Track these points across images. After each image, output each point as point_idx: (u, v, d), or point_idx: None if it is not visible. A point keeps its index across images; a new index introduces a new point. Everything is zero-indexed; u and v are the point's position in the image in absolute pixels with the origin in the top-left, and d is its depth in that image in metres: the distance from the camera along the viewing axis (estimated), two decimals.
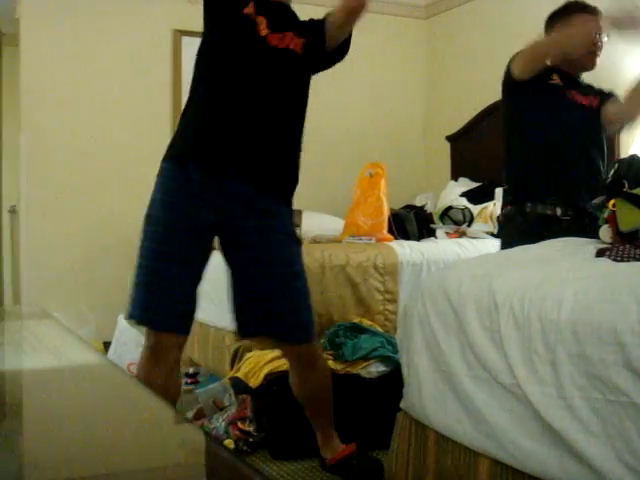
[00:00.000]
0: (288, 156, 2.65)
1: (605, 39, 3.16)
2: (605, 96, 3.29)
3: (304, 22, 2.73)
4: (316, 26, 2.71)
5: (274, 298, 2.60)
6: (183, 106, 2.66)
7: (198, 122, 2.56)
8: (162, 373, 2.51)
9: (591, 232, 2.69)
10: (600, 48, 3.17)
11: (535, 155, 3.19)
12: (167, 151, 2.59)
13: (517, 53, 3.18)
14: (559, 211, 3.06)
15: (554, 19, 3.26)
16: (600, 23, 3.13)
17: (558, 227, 3.00)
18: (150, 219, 2.53)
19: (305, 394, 2.82)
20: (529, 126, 3.22)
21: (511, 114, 3.33)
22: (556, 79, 3.19)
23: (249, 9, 2.55)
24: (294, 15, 2.73)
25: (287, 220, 2.69)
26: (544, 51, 3.15)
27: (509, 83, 3.21)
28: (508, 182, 3.35)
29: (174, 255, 2.48)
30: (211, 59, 2.61)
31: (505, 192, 3.37)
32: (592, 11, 3.15)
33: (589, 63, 3.21)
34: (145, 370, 2.55)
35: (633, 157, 2.52)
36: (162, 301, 2.49)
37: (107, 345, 4.62)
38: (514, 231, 3.15)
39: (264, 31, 2.55)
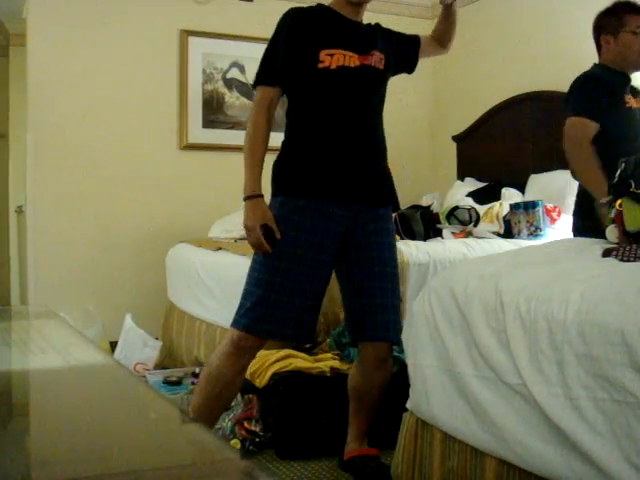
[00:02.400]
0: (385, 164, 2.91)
1: None
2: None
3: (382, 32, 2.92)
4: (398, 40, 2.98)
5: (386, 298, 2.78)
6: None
7: (323, 161, 2.73)
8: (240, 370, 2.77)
9: None
10: None
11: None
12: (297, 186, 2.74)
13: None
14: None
15: (604, 19, 3.32)
16: None
17: None
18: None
19: (364, 392, 2.89)
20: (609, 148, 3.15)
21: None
22: (630, 101, 3.27)
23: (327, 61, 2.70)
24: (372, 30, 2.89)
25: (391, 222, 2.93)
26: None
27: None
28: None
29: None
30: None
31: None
32: None
33: None
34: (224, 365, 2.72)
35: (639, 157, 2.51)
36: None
37: (114, 345, 4.63)
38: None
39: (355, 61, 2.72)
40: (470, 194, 5.23)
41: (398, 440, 2.40)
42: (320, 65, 2.66)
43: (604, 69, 3.32)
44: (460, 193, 5.35)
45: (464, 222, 4.71)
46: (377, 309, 2.73)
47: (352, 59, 2.69)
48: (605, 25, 3.31)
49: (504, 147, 5.52)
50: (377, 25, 2.92)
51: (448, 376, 2.16)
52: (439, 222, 4.77)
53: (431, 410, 2.22)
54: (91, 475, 0.91)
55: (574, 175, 3.26)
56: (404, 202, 5.25)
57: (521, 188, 5.00)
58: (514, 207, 4.47)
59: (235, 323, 2.68)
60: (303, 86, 2.73)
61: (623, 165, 2.43)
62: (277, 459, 3.17)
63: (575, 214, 3.42)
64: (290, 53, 2.68)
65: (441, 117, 6.29)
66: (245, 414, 3.28)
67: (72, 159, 5.13)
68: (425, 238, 4.51)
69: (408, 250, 4.06)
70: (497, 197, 4.96)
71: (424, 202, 5.51)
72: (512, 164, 5.39)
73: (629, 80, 3.34)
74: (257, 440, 3.22)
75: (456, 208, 4.82)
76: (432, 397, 2.21)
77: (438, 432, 2.22)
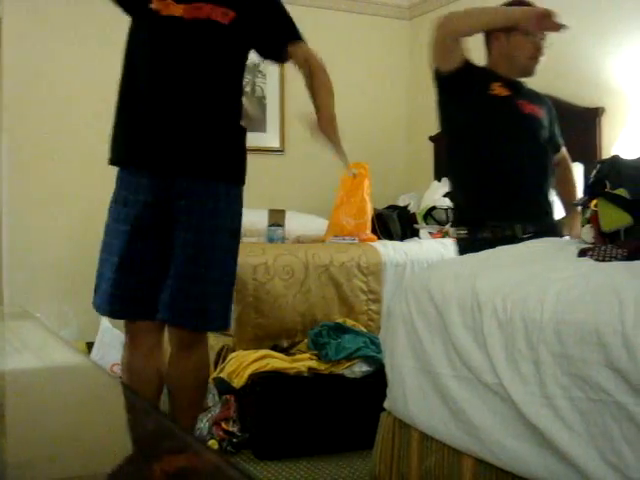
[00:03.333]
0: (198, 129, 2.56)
1: (548, 44, 3.03)
2: (546, 108, 3.17)
3: None
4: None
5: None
6: None
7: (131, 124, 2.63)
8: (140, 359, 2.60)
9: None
10: (542, 53, 3.03)
11: (487, 172, 3.05)
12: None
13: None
14: (519, 230, 2.93)
15: None
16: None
17: None
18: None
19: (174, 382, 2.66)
20: (478, 142, 3.08)
21: (454, 126, 3.17)
22: (497, 89, 3.05)
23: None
24: None
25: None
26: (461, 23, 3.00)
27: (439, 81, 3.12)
28: (455, 199, 3.26)
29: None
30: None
31: (455, 210, 3.26)
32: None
33: (530, 69, 3.06)
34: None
35: (614, 158, 2.53)
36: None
37: (90, 346, 4.60)
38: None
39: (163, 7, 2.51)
40: (447, 194, 5.24)
41: (376, 440, 2.41)
42: (151, 5, 2.50)
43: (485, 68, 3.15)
44: (437, 193, 5.36)
45: (441, 222, 4.73)
46: (176, 293, 2.49)
47: (174, 8, 2.49)
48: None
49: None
50: None
51: (425, 376, 2.17)
52: (416, 222, 4.79)
53: (409, 410, 2.22)
54: (67, 477, 0.90)
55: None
56: (381, 202, 5.28)
57: None
58: None
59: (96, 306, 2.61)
60: (131, 26, 2.62)
61: (598, 166, 2.45)
62: (255, 459, 3.17)
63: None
64: None
65: (418, 117, 6.31)
66: (222, 414, 3.27)
67: (47, 159, 5.09)
68: (402, 238, 4.53)
69: (385, 250, 4.08)
70: None
71: (401, 202, 5.52)
72: None
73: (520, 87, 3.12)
74: (234, 440, 3.21)
75: (433, 208, 4.84)
76: (410, 397, 2.21)
77: (416, 432, 2.23)
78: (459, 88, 3.03)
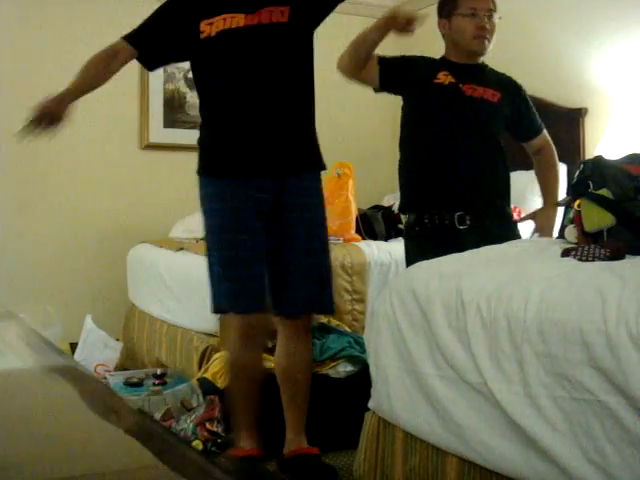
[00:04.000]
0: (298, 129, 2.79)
1: (497, 20, 3.05)
2: (507, 92, 3.15)
3: None
4: None
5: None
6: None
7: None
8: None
9: (499, 237, 2.70)
10: (489, 30, 3.03)
11: (421, 160, 3.18)
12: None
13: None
14: (450, 218, 2.99)
15: (441, 2, 3.19)
16: (490, 4, 3.04)
17: (455, 237, 2.97)
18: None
19: (293, 371, 2.88)
20: (411, 127, 3.23)
21: (402, 120, 3.35)
22: (442, 78, 3.11)
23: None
24: None
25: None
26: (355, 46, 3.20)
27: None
28: (400, 186, 3.35)
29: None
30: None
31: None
32: None
33: (477, 48, 3.06)
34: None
35: (598, 158, 2.55)
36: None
37: (74, 346, 4.59)
38: (414, 242, 3.15)
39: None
40: None
41: (360, 440, 2.41)
42: (202, 35, 2.61)
43: (438, 60, 3.23)
44: None
45: None
46: (295, 284, 2.73)
47: (235, 20, 2.59)
48: (441, 9, 3.16)
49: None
50: None
51: (410, 376, 2.17)
52: (400, 222, 4.79)
53: (393, 410, 2.23)
54: (52, 478, 0.90)
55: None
56: (366, 202, 5.29)
57: None
58: None
59: (211, 308, 2.74)
60: (194, 61, 2.70)
61: (582, 166, 2.46)
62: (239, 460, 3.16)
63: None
64: (163, 23, 2.67)
65: None
66: (207, 415, 3.26)
67: (31, 159, 5.06)
68: (386, 238, 4.54)
69: (369, 250, 4.08)
70: None
71: (385, 202, 5.52)
72: None
73: (467, 67, 3.13)
74: (219, 441, 3.20)
75: None
76: (394, 397, 2.22)
77: (400, 432, 2.23)
78: (398, 88, 3.24)
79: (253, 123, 2.65)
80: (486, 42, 3.05)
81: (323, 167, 2.85)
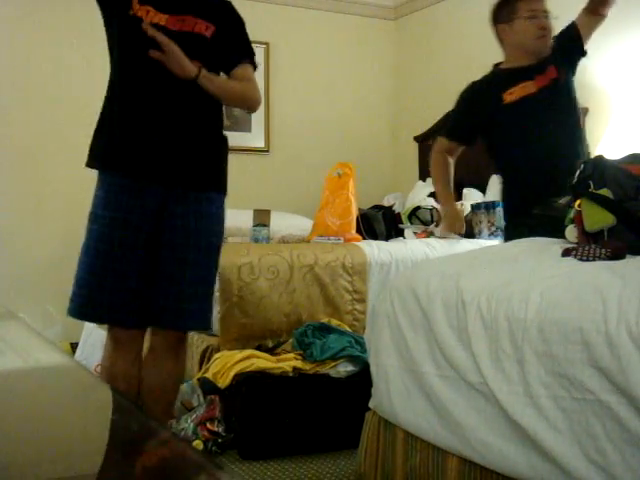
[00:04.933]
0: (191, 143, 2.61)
1: (554, 19, 3.19)
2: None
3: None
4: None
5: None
6: None
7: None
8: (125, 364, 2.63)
9: None
10: (549, 29, 3.19)
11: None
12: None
13: None
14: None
15: (498, 9, 3.29)
16: (545, 5, 3.18)
17: None
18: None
19: (156, 385, 2.69)
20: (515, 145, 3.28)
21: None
22: (509, 97, 3.21)
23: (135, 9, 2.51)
24: None
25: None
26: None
27: None
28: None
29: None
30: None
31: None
32: None
33: (542, 47, 3.21)
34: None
35: (598, 158, 2.55)
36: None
37: (74, 346, 4.58)
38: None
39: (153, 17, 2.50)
40: (432, 194, 5.25)
41: (361, 439, 2.41)
42: (131, 12, 2.49)
43: (492, 73, 3.34)
44: (422, 193, 5.37)
45: (426, 222, 4.74)
46: (173, 296, 2.57)
47: (157, 16, 2.49)
48: (499, 15, 3.28)
49: (465, 148, 5.55)
50: (227, 2, 2.68)
51: (410, 375, 2.17)
52: (401, 222, 4.80)
53: (393, 409, 2.23)
54: (51, 478, 0.90)
55: None
56: (366, 202, 5.29)
57: (482, 189, 5.04)
58: (475, 207, 4.51)
59: (68, 310, 2.59)
60: (112, 32, 2.58)
61: (582, 166, 2.46)
62: (240, 460, 3.16)
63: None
64: None
65: (403, 117, 6.32)
66: (208, 415, 3.26)
67: (31, 159, 5.07)
68: (387, 238, 4.54)
69: (370, 250, 4.08)
70: (458, 197, 4.99)
71: (386, 202, 5.53)
72: (473, 165, 5.41)
73: (525, 68, 3.25)
74: (220, 441, 3.21)
75: (418, 208, 4.85)
76: (394, 396, 2.22)
77: (400, 431, 2.23)
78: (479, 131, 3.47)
79: (151, 122, 2.55)
80: (548, 40, 3.21)
81: (216, 188, 2.66)
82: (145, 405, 2.67)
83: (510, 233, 3.19)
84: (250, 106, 2.74)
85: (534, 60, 3.22)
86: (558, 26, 3.22)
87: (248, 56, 2.67)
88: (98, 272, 2.52)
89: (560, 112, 3.22)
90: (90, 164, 2.65)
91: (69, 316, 2.59)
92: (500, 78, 3.29)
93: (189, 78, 2.45)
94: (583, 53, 3.23)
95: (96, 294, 2.53)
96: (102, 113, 2.64)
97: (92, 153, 2.65)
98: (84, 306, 2.56)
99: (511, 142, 3.26)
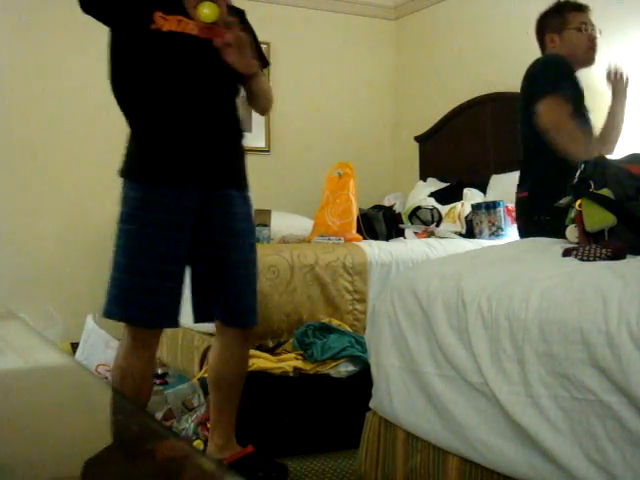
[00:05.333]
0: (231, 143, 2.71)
1: (599, 34, 3.32)
2: None
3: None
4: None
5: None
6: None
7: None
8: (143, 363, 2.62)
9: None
10: (597, 44, 3.33)
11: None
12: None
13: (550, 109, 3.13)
14: None
15: (548, 18, 3.39)
16: (590, 18, 3.32)
17: None
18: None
19: (229, 379, 2.81)
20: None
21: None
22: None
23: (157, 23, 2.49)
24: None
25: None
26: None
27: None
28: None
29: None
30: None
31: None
32: (585, 9, 3.34)
33: (591, 60, 3.37)
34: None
35: (599, 158, 2.55)
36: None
37: (75, 346, 4.59)
38: None
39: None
40: (432, 194, 5.26)
41: (361, 439, 2.41)
42: (153, 26, 2.45)
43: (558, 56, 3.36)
44: (422, 193, 5.38)
45: (426, 222, 4.74)
46: (239, 295, 2.67)
47: (189, 27, 2.47)
48: (549, 24, 3.39)
49: (466, 148, 5.56)
50: (241, 11, 2.69)
51: (411, 375, 2.17)
52: (401, 222, 4.80)
53: (394, 409, 2.23)
54: (52, 478, 0.90)
55: (569, 155, 3.08)
56: (367, 202, 5.29)
57: (483, 188, 5.05)
58: (476, 207, 4.51)
59: (105, 312, 2.54)
60: (134, 48, 2.53)
61: (583, 166, 2.46)
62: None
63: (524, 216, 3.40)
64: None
65: (403, 118, 6.32)
66: (208, 415, 3.26)
67: (31, 159, 5.07)
68: (387, 238, 4.54)
69: (370, 250, 4.08)
70: (459, 197, 5.00)
71: (386, 202, 5.53)
72: (474, 165, 5.44)
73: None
74: None
75: (418, 208, 4.85)
76: (395, 396, 2.22)
77: (401, 431, 2.23)
78: None
79: (204, 132, 2.57)
80: (595, 53, 3.36)
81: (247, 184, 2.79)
82: (220, 391, 2.80)
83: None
84: (270, 107, 2.84)
85: (577, 69, 3.32)
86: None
87: (264, 63, 2.76)
88: (153, 274, 2.49)
89: None
90: (147, 180, 2.54)
91: (137, 325, 2.55)
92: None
93: (250, 72, 2.54)
94: None
95: (154, 297, 2.50)
96: (143, 126, 2.57)
97: (148, 168, 2.55)
98: (152, 312, 2.52)
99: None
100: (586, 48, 3.32)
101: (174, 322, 2.58)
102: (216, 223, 2.61)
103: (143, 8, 2.46)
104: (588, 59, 3.36)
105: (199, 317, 2.71)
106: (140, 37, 2.50)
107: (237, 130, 2.70)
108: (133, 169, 2.57)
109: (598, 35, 3.34)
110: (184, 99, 2.54)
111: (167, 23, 2.46)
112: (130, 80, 2.57)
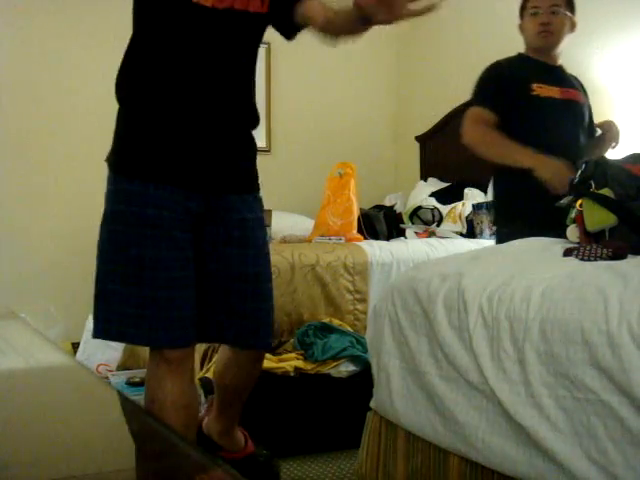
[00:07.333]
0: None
1: (562, 13, 3.14)
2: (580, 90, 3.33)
3: None
4: None
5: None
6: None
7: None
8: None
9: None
10: (553, 26, 3.15)
11: None
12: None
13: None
14: None
15: (521, 6, 3.30)
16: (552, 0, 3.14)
17: None
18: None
19: (242, 386, 2.57)
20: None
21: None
22: (538, 89, 3.14)
23: None
24: None
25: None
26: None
27: None
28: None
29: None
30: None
31: None
32: None
33: (541, 43, 3.19)
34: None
35: (600, 158, 2.55)
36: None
37: (76, 346, 4.59)
38: None
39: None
40: (433, 194, 5.26)
41: (362, 439, 2.41)
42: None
43: (518, 58, 3.28)
44: (423, 193, 5.38)
45: (427, 222, 4.75)
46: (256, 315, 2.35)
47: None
48: (520, 10, 3.30)
49: (466, 148, 5.55)
50: None
51: (411, 375, 2.17)
52: (402, 222, 4.81)
53: (395, 409, 2.22)
54: (54, 478, 0.90)
55: (493, 162, 3.19)
56: (368, 202, 5.29)
57: (483, 188, 5.04)
58: (476, 207, 4.51)
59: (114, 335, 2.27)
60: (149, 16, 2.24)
61: (584, 166, 2.46)
62: None
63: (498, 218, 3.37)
64: None
65: (404, 117, 6.32)
66: (208, 414, 3.26)
67: (33, 155, 5.06)
68: (388, 238, 4.54)
69: (371, 250, 4.08)
70: (460, 197, 4.99)
71: (387, 202, 5.53)
72: (474, 164, 5.41)
73: (549, 68, 3.24)
74: None
75: (419, 208, 4.85)
76: (396, 396, 2.22)
77: (402, 431, 2.23)
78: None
79: (196, 125, 2.24)
80: (550, 37, 3.17)
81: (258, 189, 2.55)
82: (225, 401, 2.61)
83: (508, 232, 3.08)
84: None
85: (539, 55, 3.21)
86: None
87: None
88: (160, 286, 2.20)
89: (579, 128, 3.23)
90: (127, 173, 2.33)
91: (151, 346, 2.21)
92: (529, 66, 3.25)
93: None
94: None
95: (163, 312, 2.17)
96: (132, 113, 2.30)
97: (129, 160, 2.33)
98: (160, 330, 2.16)
99: (529, 132, 3.12)
100: (535, 33, 3.16)
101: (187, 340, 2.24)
102: (221, 231, 2.31)
103: None
104: (539, 44, 3.18)
105: (199, 337, 2.33)
106: (173, 11, 2.18)
107: (250, 121, 2.38)
108: (120, 161, 2.37)
109: (563, 16, 3.14)
110: (199, 80, 2.21)
111: None
112: (143, 57, 2.28)
